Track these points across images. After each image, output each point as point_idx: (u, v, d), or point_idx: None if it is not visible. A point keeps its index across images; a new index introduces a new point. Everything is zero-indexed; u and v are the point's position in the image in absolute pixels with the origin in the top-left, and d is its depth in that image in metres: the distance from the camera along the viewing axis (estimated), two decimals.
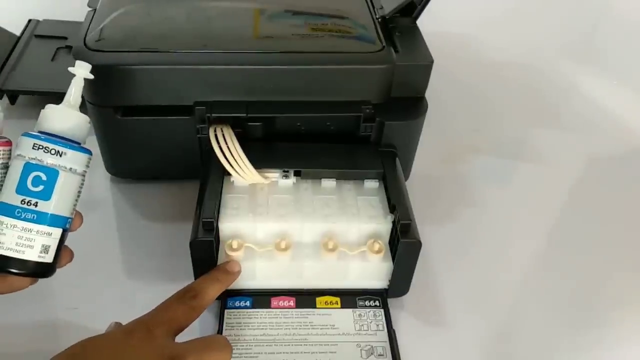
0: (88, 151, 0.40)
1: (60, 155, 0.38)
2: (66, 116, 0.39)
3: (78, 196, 0.40)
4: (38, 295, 0.49)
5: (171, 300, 0.41)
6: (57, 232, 0.38)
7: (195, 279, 0.47)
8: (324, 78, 0.52)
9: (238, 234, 0.48)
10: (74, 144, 0.39)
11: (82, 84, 0.40)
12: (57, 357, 0.35)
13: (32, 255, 0.37)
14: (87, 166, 0.40)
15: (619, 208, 0.62)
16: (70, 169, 0.38)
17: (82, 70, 0.40)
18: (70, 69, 0.40)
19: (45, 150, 0.37)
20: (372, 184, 0.52)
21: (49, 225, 0.38)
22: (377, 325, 0.47)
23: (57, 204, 0.38)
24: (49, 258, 0.38)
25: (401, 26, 0.57)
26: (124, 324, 0.41)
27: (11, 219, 0.37)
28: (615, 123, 0.74)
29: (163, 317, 0.40)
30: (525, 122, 0.73)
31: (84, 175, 0.40)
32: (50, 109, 0.39)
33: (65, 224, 0.39)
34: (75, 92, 0.40)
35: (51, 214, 0.38)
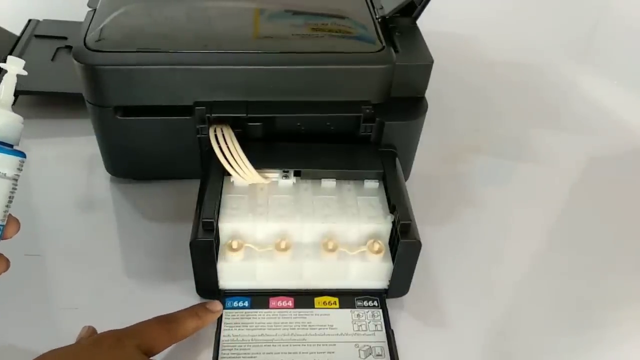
0: (20, 153, 0.37)
1: None
2: None
3: (10, 201, 0.37)
4: (38, 295, 0.49)
5: (148, 320, 0.41)
6: None
7: (195, 279, 0.47)
8: (324, 78, 0.52)
9: (238, 234, 0.48)
10: (4, 146, 0.36)
11: (14, 80, 0.37)
12: None
13: None
14: (20, 169, 0.37)
15: (619, 208, 0.62)
16: None
17: (14, 67, 0.37)
18: (1, 64, 0.37)
19: None
20: (372, 184, 0.52)
21: None
22: (376, 325, 0.47)
23: None
24: None
25: (401, 26, 0.57)
26: (96, 327, 0.40)
27: None
28: (615, 123, 0.74)
29: (136, 330, 0.39)
30: (525, 122, 0.73)
31: (15, 180, 0.37)
32: None
33: None
34: (6, 89, 0.37)
35: None
